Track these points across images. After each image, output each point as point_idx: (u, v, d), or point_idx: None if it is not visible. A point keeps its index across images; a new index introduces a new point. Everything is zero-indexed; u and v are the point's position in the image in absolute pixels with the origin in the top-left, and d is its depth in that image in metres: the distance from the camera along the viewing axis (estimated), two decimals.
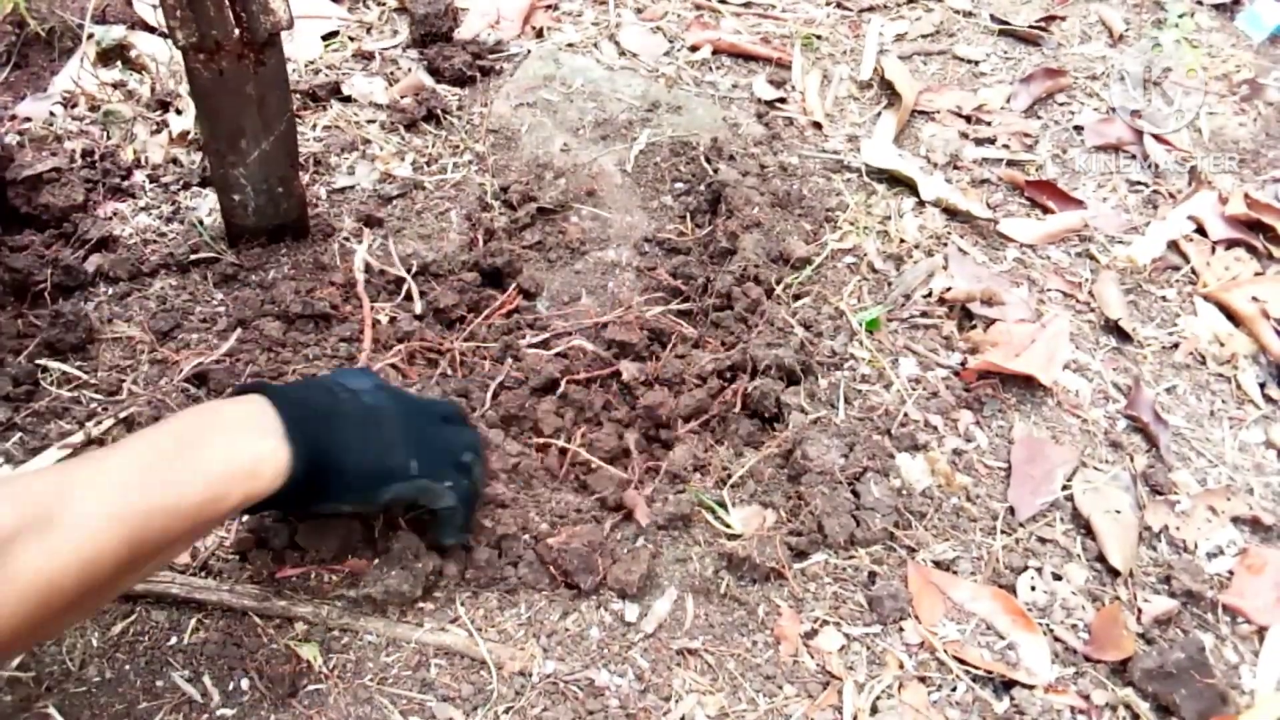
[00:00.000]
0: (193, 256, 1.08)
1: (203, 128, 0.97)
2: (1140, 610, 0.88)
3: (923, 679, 0.82)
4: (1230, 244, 1.21)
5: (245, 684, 0.79)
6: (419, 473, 0.75)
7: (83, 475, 0.58)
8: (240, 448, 0.64)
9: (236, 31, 0.87)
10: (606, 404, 1.00)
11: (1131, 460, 0.99)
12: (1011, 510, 0.94)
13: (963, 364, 1.05)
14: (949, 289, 1.10)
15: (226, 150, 0.98)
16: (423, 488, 0.77)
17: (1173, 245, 1.22)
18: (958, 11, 1.52)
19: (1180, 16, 1.52)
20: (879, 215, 1.21)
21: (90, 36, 1.28)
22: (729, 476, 0.93)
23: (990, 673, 0.83)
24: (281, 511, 0.84)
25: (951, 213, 1.22)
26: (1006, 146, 1.32)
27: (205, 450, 0.63)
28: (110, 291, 1.05)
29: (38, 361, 0.97)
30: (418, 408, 0.81)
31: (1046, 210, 1.25)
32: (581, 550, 0.85)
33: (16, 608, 0.52)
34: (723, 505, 0.91)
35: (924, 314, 1.09)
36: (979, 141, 1.33)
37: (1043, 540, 0.92)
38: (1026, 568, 0.90)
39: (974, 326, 1.09)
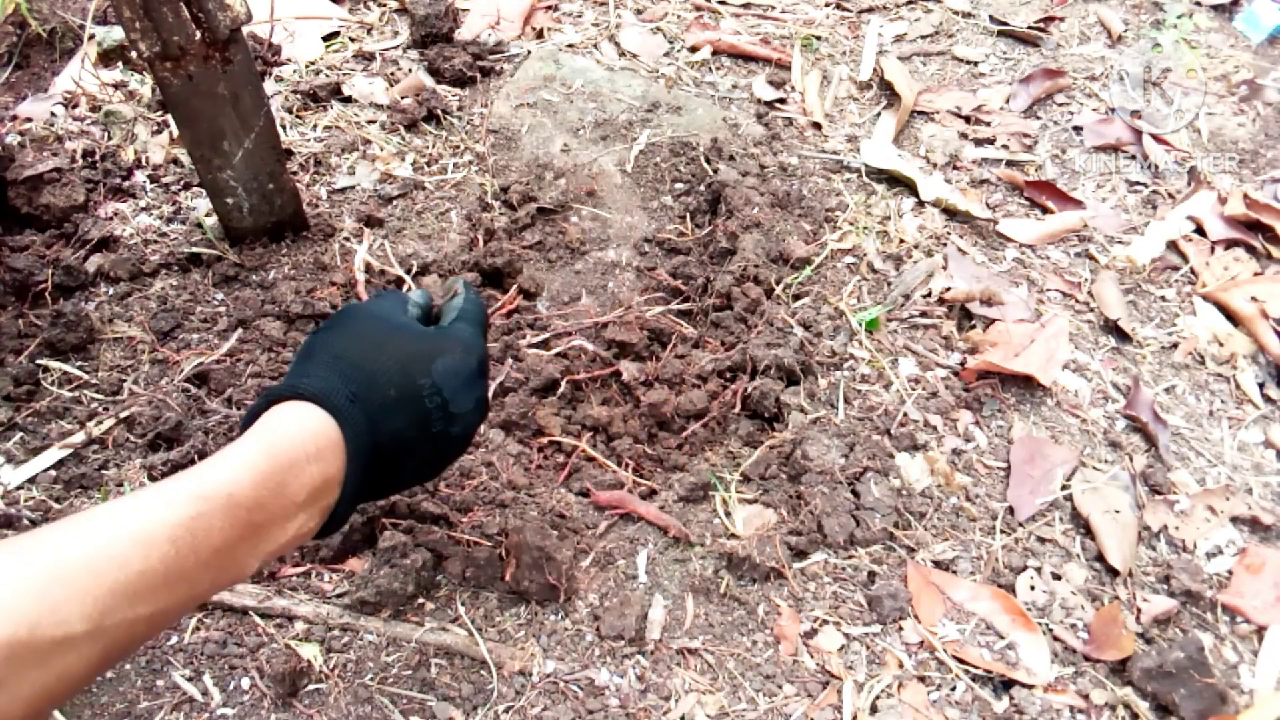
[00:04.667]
0: (193, 255, 1.08)
1: (183, 135, 0.96)
2: (1139, 610, 0.88)
3: (922, 678, 0.83)
4: (1229, 244, 1.22)
5: (246, 683, 0.79)
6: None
7: (69, 574, 0.46)
8: (287, 528, 0.56)
9: (198, 34, 0.86)
10: (606, 401, 1.00)
11: (1130, 460, 0.99)
12: (1011, 510, 0.94)
13: (962, 364, 1.05)
14: (948, 289, 1.10)
15: (211, 154, 0.98)
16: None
17: (1172, 245, 1.22)
18: (957, 12, 1.52)
19: (1179, 17, 1.52)
20: (879, 215, 1.21)
21: (91, 37, 1.28)
22: (729, 476, 0.93)
23: (990, 672, 0.83)
24: None
25: (951, 213, 1.22)
26: (1006, 147, 1.32)
27: (250, 537, 0.54)
28: (111, 291, 1.05)
29: (39, 361, 0.97)
30: (485, 398, 0.69)
31: (1046, 210, 1.25)
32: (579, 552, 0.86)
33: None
34: (727, 488, 0.91)
35: (923, 314, 1.09)
36: (978, 142, 1.33)
37: (1042, 540, 0.93)
38: (1026, 567, 0.90)
39: (973, 326, 1.09)
